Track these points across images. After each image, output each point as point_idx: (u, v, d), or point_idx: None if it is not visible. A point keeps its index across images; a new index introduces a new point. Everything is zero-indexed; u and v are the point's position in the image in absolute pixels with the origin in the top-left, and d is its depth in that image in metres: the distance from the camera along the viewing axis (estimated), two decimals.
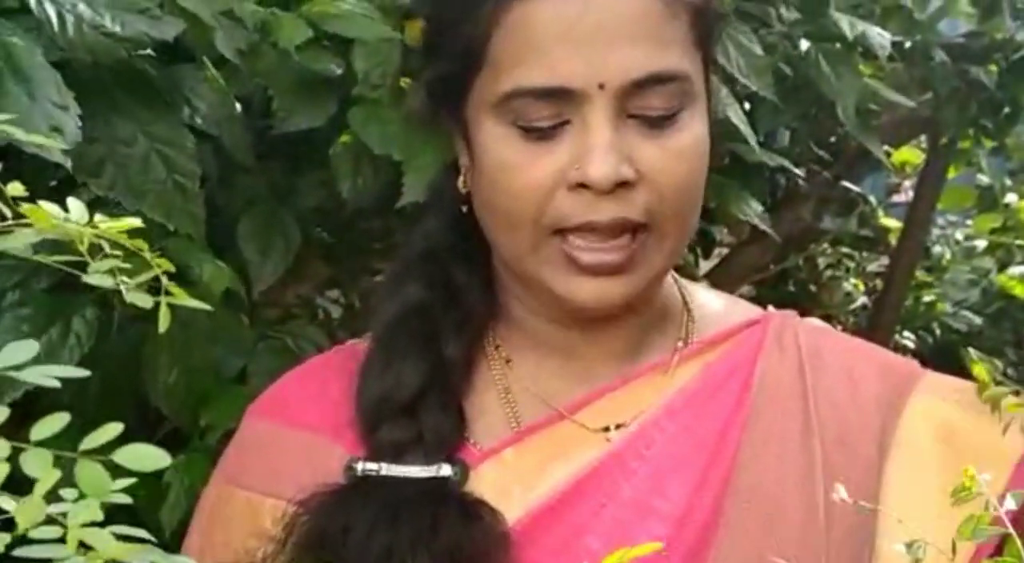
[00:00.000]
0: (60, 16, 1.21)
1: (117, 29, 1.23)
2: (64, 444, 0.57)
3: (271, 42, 1.38)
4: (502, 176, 0.97)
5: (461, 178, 1.03)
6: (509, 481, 1.00)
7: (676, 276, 1.10)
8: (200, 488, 1.31)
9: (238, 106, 1.46)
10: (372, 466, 0.99)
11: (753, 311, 1.11)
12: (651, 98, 0.95)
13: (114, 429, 0.53)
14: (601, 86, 0.94)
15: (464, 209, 1.04)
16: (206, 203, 1.34)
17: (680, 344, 1.06)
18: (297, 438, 1.05)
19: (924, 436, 1.02)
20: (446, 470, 0.99)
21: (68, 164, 1.15)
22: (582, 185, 0.94)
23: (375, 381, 1.03)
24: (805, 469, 1.00)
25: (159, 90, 1.34)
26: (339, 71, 1.45)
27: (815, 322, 1.13)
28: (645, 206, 0.95)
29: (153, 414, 1.40)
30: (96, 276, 0.61)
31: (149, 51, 1.32)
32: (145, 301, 0.62)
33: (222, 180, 1.47)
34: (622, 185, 0.94)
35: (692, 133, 0.97)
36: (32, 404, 1.09)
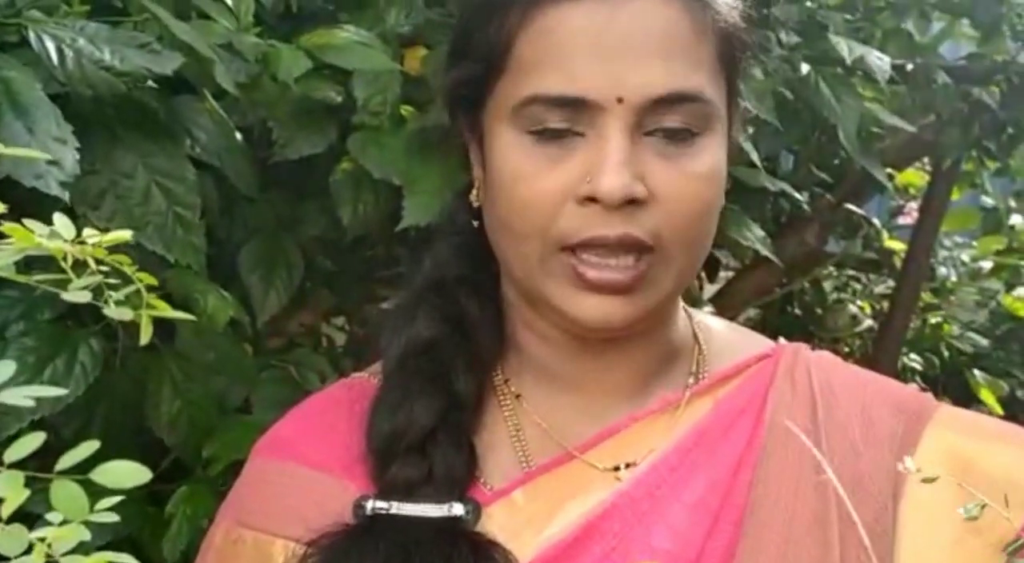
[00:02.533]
0: (59, 51, 1.21)
1: (116, 63, 1.23)
2: None
3: (271, 74, 1.38)
4: (512, 185, 0.95)
5: (474, 191, 1.02)
6: (519, 523, 0.99)
7: (687, 308, 1.08)
8: (203, 519, 1.31)
9: (239, 136, 1.46)
10: (382, 505, 0.97)
11: (764, 343, 1.09)
12: (670, 116, 0.93)
13: (91, 446, 0.53)
14: (620, 100, 0.92)
15: (475, 225, 1.02)
16: (208, 233, 1.34)
17: (691, 380, 1.04)
18: (305, 476, 1.03)
19: (939, 472, 1.00)
20: (458, 509, 0.97)
21: (66, 196, 1.15)
22: (591, 199, 0.93)
23: (385, 419, 1.00)
24: (819, 508, 0.98)
25: (160, 122, 1.34)
26: (339, 99, 1.46)
27: (827, 355, 1.10)
28: (653, 228, 0.94)
29: (157, 445, 1.40)
30: (76, 292, 0.60)
31: (149, 83, 1.33)
32: (124, 314, 0.62)
33: (224, 210, 1.47)
34: (632, 203, 0.92)
35: (709, 159, 0.95)
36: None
